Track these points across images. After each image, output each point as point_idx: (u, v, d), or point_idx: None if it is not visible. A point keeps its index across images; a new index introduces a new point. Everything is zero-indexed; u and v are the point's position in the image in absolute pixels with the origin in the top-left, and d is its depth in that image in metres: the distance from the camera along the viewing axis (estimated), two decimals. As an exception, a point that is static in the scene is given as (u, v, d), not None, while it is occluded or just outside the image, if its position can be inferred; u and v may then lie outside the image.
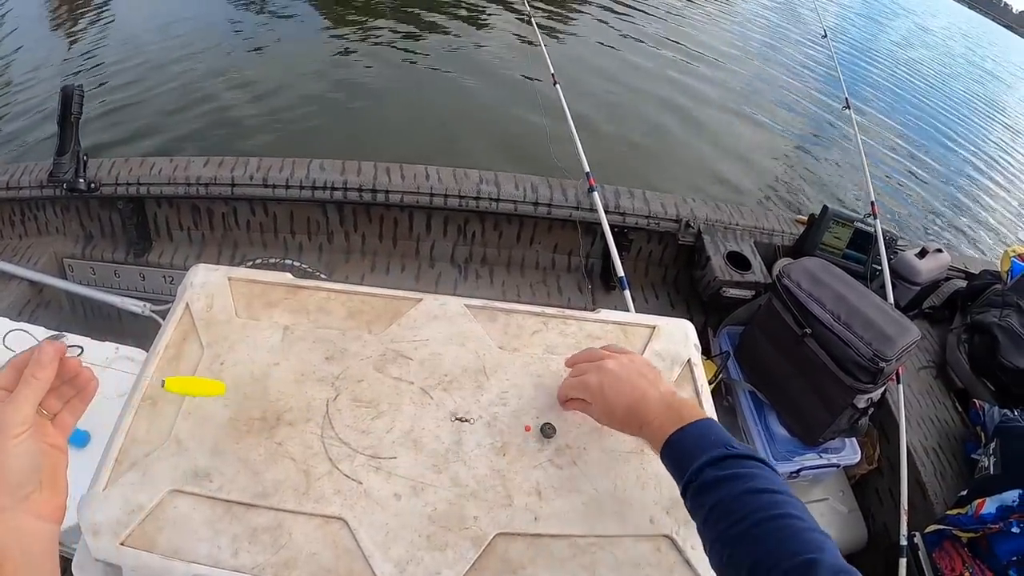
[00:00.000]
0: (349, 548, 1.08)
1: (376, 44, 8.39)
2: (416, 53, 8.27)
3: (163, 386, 1.12)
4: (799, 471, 2.55)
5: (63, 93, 2.79)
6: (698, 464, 0.97)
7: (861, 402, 2.39)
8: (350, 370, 1.31)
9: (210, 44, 7.91)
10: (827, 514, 2.71)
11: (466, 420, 1.24)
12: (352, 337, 1.37)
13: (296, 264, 1.94)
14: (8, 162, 3.44)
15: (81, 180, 2.91)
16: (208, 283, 1.47)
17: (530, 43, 7.49)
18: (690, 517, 1.01)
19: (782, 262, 3.05)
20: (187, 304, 1.43)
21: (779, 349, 2.52)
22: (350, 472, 1.15)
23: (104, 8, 8.51)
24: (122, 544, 1.07)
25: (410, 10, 9.52)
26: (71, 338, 2.00)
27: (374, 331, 1.39)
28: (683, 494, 1.01)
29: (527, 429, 1.23)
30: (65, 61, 7.42)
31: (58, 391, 0.88)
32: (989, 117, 14.62)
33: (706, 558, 1.08)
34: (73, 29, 8.07)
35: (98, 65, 7.28)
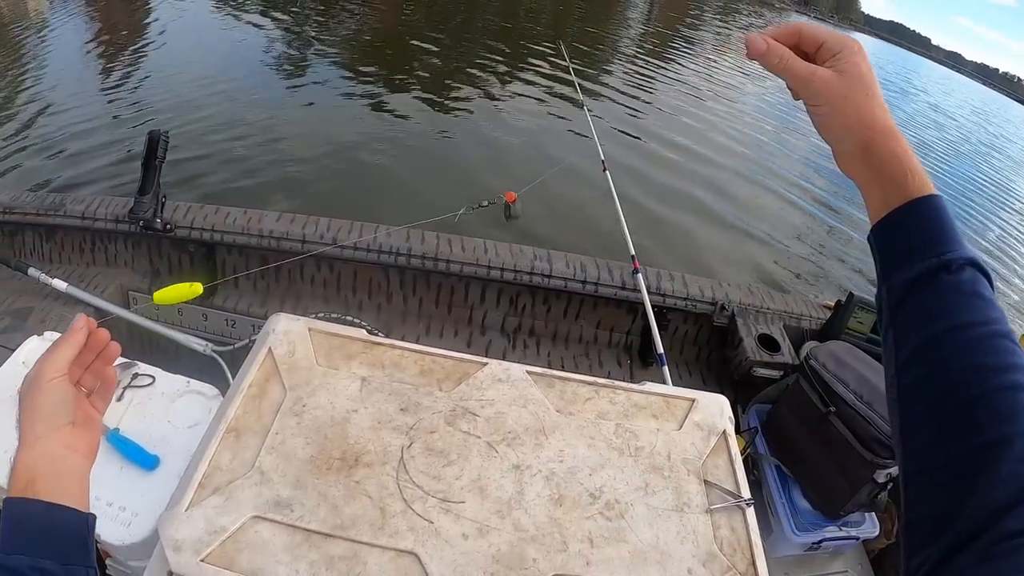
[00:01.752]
0: None
1: (428, 120, 8.61)
2: (462, 127, 8.46)
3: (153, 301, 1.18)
4: (820, 542, 2.60)
5: (150, 137, 2.93)
6: (961, 255, 0.69)
7: (881, 477, 2.46)
8: (423, 422, 1.43)
9: (254, 108, 8.18)
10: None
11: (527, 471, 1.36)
12: (424, 392, 1.50)
13: (356, 321, 2.05)
14: (82, 193, 3.57)
15: (158, 220, 3.05)
16: (290, 331, 1.60)
17: (582, 134, 7.63)
18: (893, 310, 0.73)
19: (809, 345, 3.13)
20: (270, 348, 1.55)
21: (804, 426, 2.60)
22: (422, 512, 1.26)
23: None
24: (202, 560, 1.16)
25: (466, 93, 9.73)
26: (142, 367, 2.10)
27: (444, 388, 1.52)
28: (916, 279, 0.70)
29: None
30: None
31: (91, 369, 1.03)
32: (1021, 199, 14.59)
33: None
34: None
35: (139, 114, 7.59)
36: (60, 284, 2.91)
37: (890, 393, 0.71)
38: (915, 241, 0.71)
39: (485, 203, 3.24)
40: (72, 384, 0.96)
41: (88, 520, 0.87)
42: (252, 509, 1.24)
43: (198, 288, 1.21)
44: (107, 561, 1.82)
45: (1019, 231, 12.05)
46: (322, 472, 1.31)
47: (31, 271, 2.95)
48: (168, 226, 3.06)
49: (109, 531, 1.68)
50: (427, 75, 10.01)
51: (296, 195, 6.27)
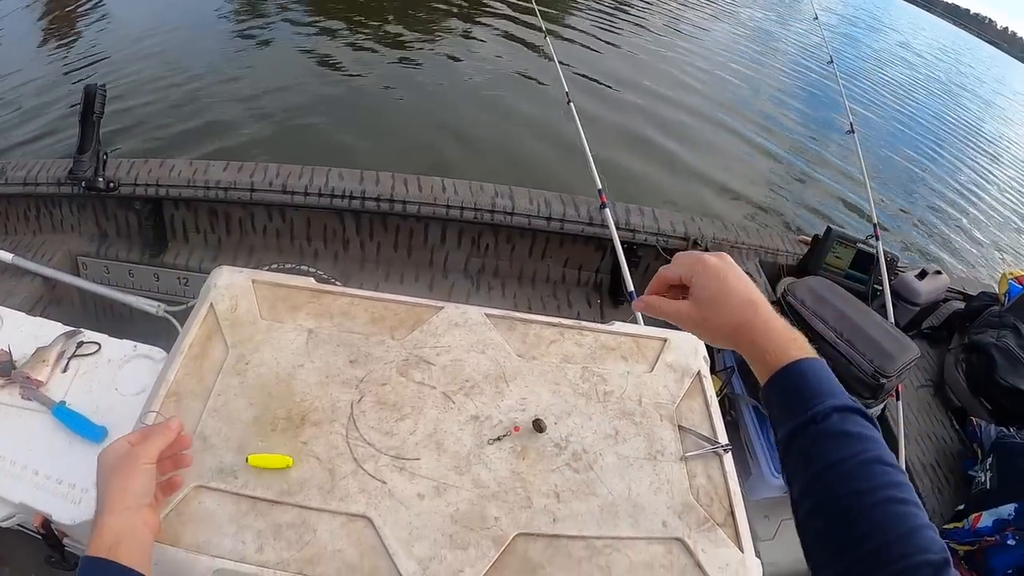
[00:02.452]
0: (373, 546, 1.10)
1: (385, 53, 8.42)
2: (425, 65, 8.30)
3: (247, 461, 1.19)
4: (798, 485, 2.57)
5: (86, 92, 2.80)
6: (824, 407, 0.85)
7: (863, 420, 2.43)
8: (374, 374, 1.34)
9: (210, 46, 8.03)
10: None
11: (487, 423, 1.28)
12: (375, 342, 1.40)
13: (312, 271, 1.97)
14: (24, 158, 3.44)
15: (100, 179, 2.92)
16: (232, 285, 1.50)
17: (547, 58, 7.57)
18: (782, 460, 0.90)
19: (786, 281, 3.08)
20: (211, 304, 1.46)
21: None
22: (374, 472, 1.18)
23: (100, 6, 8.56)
24: None
25: (424, 23, 9.55)
26: (87, 335, 2.01)
27: (397, 337, 1.43)
28: (793, 432, 0.87)
29: (516, 430, 1.27)
30: (64, 63, 7.51)
31: (168, 459, 1.14)
32: (992, 141, 14.66)
33: (714, 561, 1.13)
34: (68, 31, 8.13)
35: (93, 65, 7.38)
36: (6, 256, 2.82)
37: (795, 522, 0.85)
38: (786, 404, 0.90)
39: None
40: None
41: None
42: (195, 478, 1.17)
43: (289, 461, 1.16)
44: (64, 541, 1.75)
45: (988, 171, 12.10)
46: (267, 434, 1.23)
47: None
48: (111, 184, 2.93)
49: (60, 510, 1.60)
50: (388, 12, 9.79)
51: (242, 146, 6.12)
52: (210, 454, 1.20)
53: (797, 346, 0.92)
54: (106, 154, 2.94)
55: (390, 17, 9.53)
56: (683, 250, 3.04)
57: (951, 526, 2.44)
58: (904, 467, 2.52)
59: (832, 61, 4.77)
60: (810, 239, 3.33)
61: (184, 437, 1.16)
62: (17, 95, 6.81)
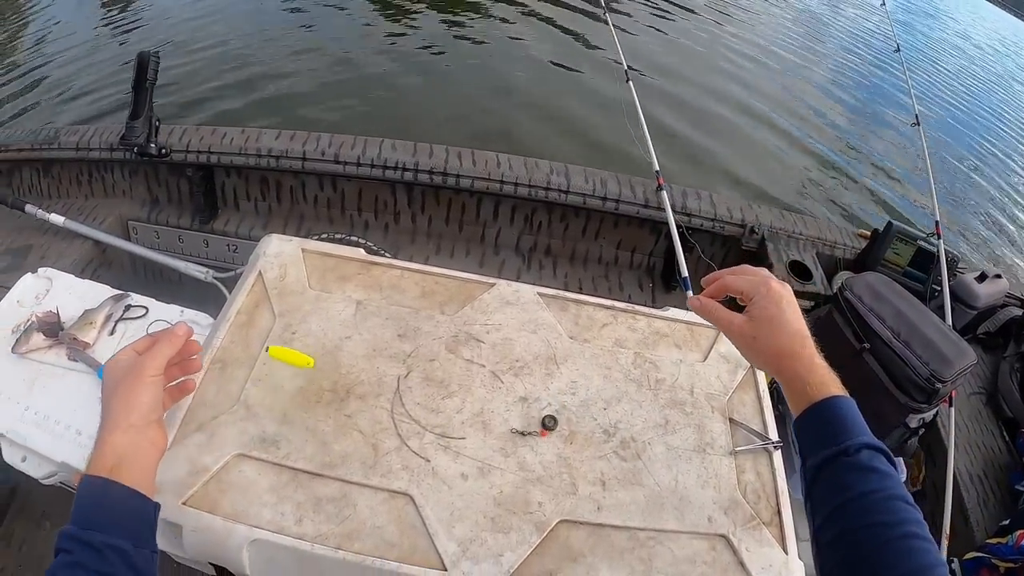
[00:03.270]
0: (414, 524, 1.09)
1: (442, 29, 8.38)
2: (483, 41, 8.24)
3: (267, 351, 1.19)
4: (844, 485, 2.52)
5: (139, 59, 2.81)
6: (856, 442, 0.90)
7: (913, 421, 2.36)
8: (422, 349, 1.32)
9: (263, 17, 8.14)
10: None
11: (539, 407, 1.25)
12: (425, 316, 1.38)
13: (362, 242, 1.96)
14: (76, 124, 3.49)
15: (152, 145, 2.92)
16: (282, 253, 1.49)
17: (605, 36, 7.49)
18: (808, 487, 0.94)
19: (843, 275, 3.01)
20: (260, 272, 1.45)
21: (835, 361, 2.47)
22: (418, 449, 1.16)
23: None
24: (184, 504, 1.09)
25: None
26: (135, 298, 2.02)
27: (447, 312, 1.40)
28: (825, 460, 0.91)
29: (543, 434, 1.23)
30: (116, 29, 7.73)
31: (177, 366, 1.11)
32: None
33: (758, 560, 1.10)
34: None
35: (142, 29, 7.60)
36: (57, 219, 2.87)
37: (812, 549, 0.91)
38: (820, 434, 0.94)
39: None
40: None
41: (156, 509, 0.93)
42: (236, 447, 1.16)
43: (311, 363, 1.15)
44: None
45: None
46: (311, 406, 1.22)
47: (28, 208, 2.93)
48: (163, 150, 2.94)
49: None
50: None
51: (295, 115, 6.14)
52: (252, 423, 1.19)
53: (836, 384, 0.99)
54: (159, 121, 2.96)
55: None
56: (739, 237, 3.02)
57: (995, 541, 2.37)
58: (951, 476, 2.46)
59: (899, 50, 4.63)
60: (869, 233, 3.25)
61: (192, 343, 1.11)
62: (70, 62, 7.02)
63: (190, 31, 7.62)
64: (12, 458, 1.79)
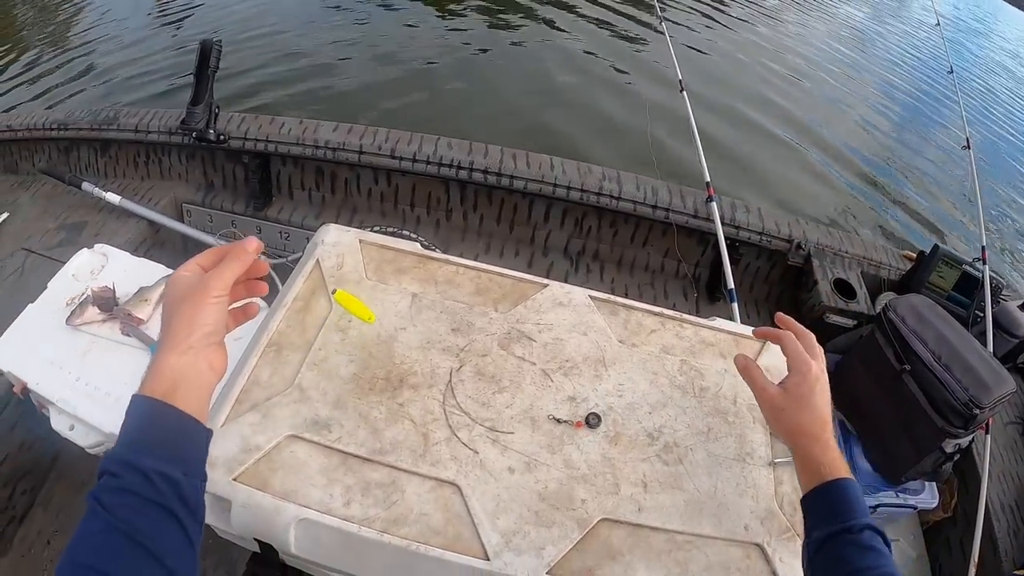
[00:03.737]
0: (459, 513, 1.11)
1: (494, 30, 8.41)
2: (534, 43, 8.25)
3: (333, 294, 1.20)
4: (876, 507, 2.50)
5: (202, 47, 2.89)
6: (860, 522, 0.98)
7: (949, 446, 2.35)
8: (475, 344, 1.35)
9: (316, 11, 8.24)
10: (895, 556, 2.65)
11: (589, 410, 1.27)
12: (479, 313, 1.41)
13: (413, 236, 1.99)
14: (136, 106, 3.56)
15: (211, 131, 3.01)
16: (340, 243, 1.52)
17: (660, 44, 7.45)
18: (811, 556, 1.01)
19: (887, 295, 2.99)
20: (318, 260, 1.48)
21: (875, 381, 2.48)
22: (468, 441, 1.19)
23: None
24: (235, 480, 1.12)
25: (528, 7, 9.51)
26: None
27: (500, 309, 1.43)
28: (830, 535, 0.99)
29: (579, 425, 1.25)
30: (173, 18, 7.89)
31: (243, 284, 1.04)
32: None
33: (791, 572, 1.11)
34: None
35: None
36: (113, 197, 2.94)
37: None
38: (828, 511, 1.01)
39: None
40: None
41: (209, 436, 0.90)
42: (289, 428, 1.19)
43: (372, 318, 1.18)
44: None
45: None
46: (364, 392, 1.25)
47: (85, 185, 3.01)
48: (222, 137, 3.01)
49: (147, 442, 1.65)
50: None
51: (352, 109, 6.21)
52: (306, 405, 1.22)
53: (845, 468, 1.06)
54: (218, 107, 3.03)
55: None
56: (786, 252, 3.01)
57: (1022, 572, 2.36)
58: (983, 504, 2.44)
59: (952, 71, 4.58)
60: (915, 255, 3.23)
61: (260, 263, 1.05)
62: (121, 48, 7.26)
63: (241, 20, 7.79)
64: (60, 426, 1.84)
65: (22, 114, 3.64)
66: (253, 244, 1.00)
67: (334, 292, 1.19)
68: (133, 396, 0.84)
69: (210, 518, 1.13)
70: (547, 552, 1.08)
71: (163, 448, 0.81)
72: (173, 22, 7.85)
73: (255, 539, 1.18)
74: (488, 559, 1.06)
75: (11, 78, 6.85)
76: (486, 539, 1.08)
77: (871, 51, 12.51)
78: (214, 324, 0.92)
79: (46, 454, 2.49)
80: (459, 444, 1.18)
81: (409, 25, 8.22)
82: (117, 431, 1.66)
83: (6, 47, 7.43)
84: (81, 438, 1.83)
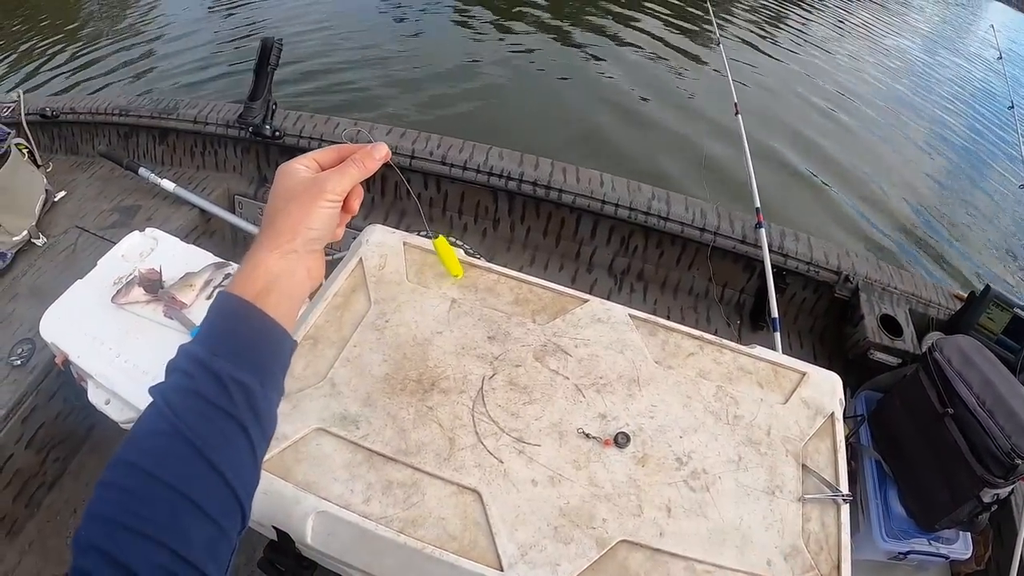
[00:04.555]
0: (478, 521, 1.11)
1: (548, 44, 8.43)
2: (586, 60, 8.25)
3: (433, 238, 1.15)
4: (907, 553, 2.44)
5: (263, 44, 2.94)
6: None
7: (987, 496, 2.29)
8: (510, 353, 1.35)
9: (373, 18, 8.39)
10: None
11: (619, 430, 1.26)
12: (516, 323, 1.41)
13: (458, 243, 1.98)
14: (196, 98, 3.63)
15: (267, 127, 3.06)
16: (384, 244, 1.54)
17: (716, 69, 7.40)
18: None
19: (933, 335, 2.93)
20: (361, 259, 1.50)
21: (915, 423, 2.43)
22: (493, 449, 1.19)
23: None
24: None
25: (592, 19, 9.51)
26: (235, 268, 2.09)
27: (538, 321, 1.43)
28: None
29: (607, 443, 1.24)
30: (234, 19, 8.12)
31: (352, 191, 0.92)
32: None
33: None
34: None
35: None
36: (168, 184, 3.01)
37: None
38: None
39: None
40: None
41: (294, 348, 0.84)
42: (317, 421, 1.21)
43: (459, 273, 1.17)
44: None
45: None
46: (395, 392, 1.26)
47: (141, 171, 3.08)
48: (277, 133, 3.05)
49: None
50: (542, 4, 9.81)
51: (402, 115, 6.29)
52: (336, 400, 1.23)
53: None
54: (275, 104, 3.08)
55: (548, 12, 9.54)
56: (833, 284, 2.96)
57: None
58: (1017, 558, 2.38)
59: (1012, 106, 4.49)
60: (965, 296, 3.16)
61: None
62: (191, 41, 7.51)
63: (294, 17, 8.02)
64: (96, 399, 1.88)
65: (85, 98, 3.72)
66: (382, 151, 0.92)
67: (436, 236, 1.15)
68: (220, 292, 0.79)
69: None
70: (562, 569, 1.07)
71: (244, 354, 0.75)
72: (231, 17, 8.11)
73: (273, 527, 1.19)
74: (502, 569, 1.06)
75: (67, 63, 7.19)
76: (502, 549, 1.08)
77: (925, 83, 12.33)
78: (322, 230, 0.84)
79: (81, 425, 2.55)
80: (484, 452, 1.18)
81: (463, 25, 8.36)
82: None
83: (67, 36, 7.81)
84: (116, 413, 1.86)
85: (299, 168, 0.85)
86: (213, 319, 0.76)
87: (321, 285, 2.56)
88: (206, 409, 0.70)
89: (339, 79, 6.84)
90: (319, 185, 0.83)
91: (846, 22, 13.31)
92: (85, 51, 7.48)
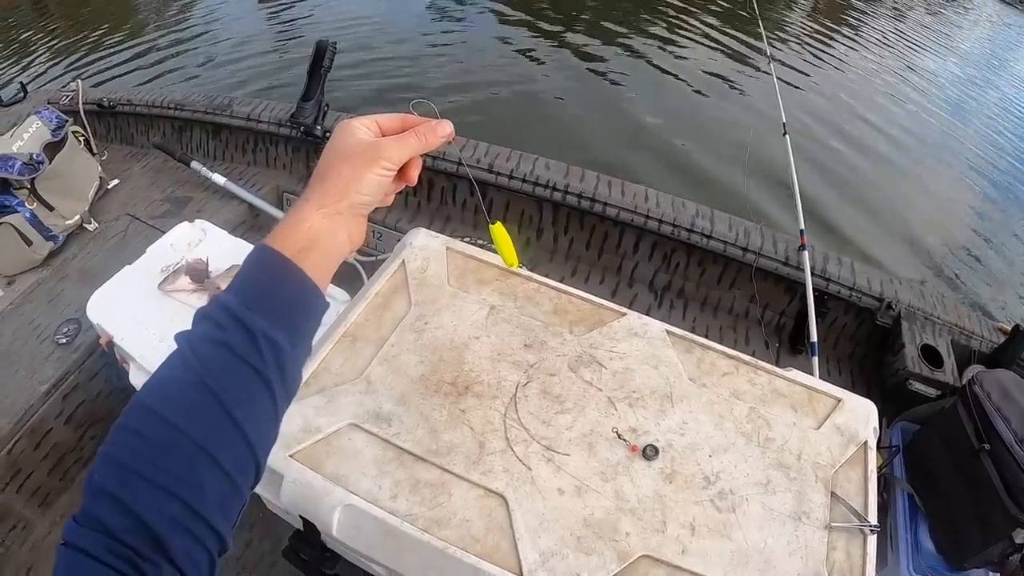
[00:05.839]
0: (502, 525, 1.12)
1: (597, 55, 8.43)
2: (626, 67, 8.22)
3: (491, 224, 1.14)
4: (934, 590, 2.42)
5: (317, 47, 3.00)
6: None
7: (1019, 537, 2.25)
8: (545, 362, 1.36)
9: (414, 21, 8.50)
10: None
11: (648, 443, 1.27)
12: (553, 332, 1.42)
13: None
14: (249, 96, 3.70)
15: (319, 127, 3.11)
16: (427, 247, 1.56)
17: (764, 82, 7.33)
18: None
19: (974, 368, 2.87)
20: (403, 261, 1.52)
21: (951, 457, 2.39)
22: (523, 456, 1.20)
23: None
24: (290, 456, 1.17)
25: (648, 27, 9.50)
26: None
27: (575, 332, 1.44)
28: None
29: (633, 450, 1.24)
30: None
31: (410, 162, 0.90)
32: None
33: None
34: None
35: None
36: (219, 178, 3.08)
37: None
38: None
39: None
40: None
41: (325, 310, 0.81)
42: (351, 416, 1.23)
43: (514, 262, 1.19)
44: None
45: None
46: (429, 393, 1.28)
47: (194, 164, 3.17)
48: (328, 134, 3.08)
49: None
50: (589, 15, 9.79)
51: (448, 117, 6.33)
52: (370, 397, 1.26)
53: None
54: (327, 106, 3.13)
55: (593, 18, 9.54)
56: (875, 311, 2.93)
57: None
58: None
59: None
60: (1009, 329, 3.12)
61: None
62: (242, 44, 7.70)
63: (340, 23, 8.12)
64: (137, 382, 1.93)
65: (142, 91, 3.82)
66: (447, 129, 0.88)
67: (494, 223, 1.16)
68: (259, 244, 0.77)
69: (262, 490, 1.17)
70: (582, 579, 1.07)
71: (278, 311, 0.73)
72: (282, 18, 8.29)
73: (300, 516, 1.22)
74: (522, 575, 1.07)
75: (118, 52, 7.50)
76: (524, 555, 1.09)
77: (974, 112, 12.13)
78: (372, 195, 0.83)
79: (120, 406, 2.58)
80: (513, 458, 1.19)
81: (507, 41, 8.37)
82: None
83: (122, 32, 8.13)
84: (156, 396, 1.89)
85: (359, 128, 0.83)
86: (249, 271, 0.75)
87: (359, 249, 2.61)
88: (233, 362, 0.69)
89: (382, 73, 7.00)
90: (377, 149, 0.81)
91: (897, 43, 13.13)
92: (137, 45, 7.78)
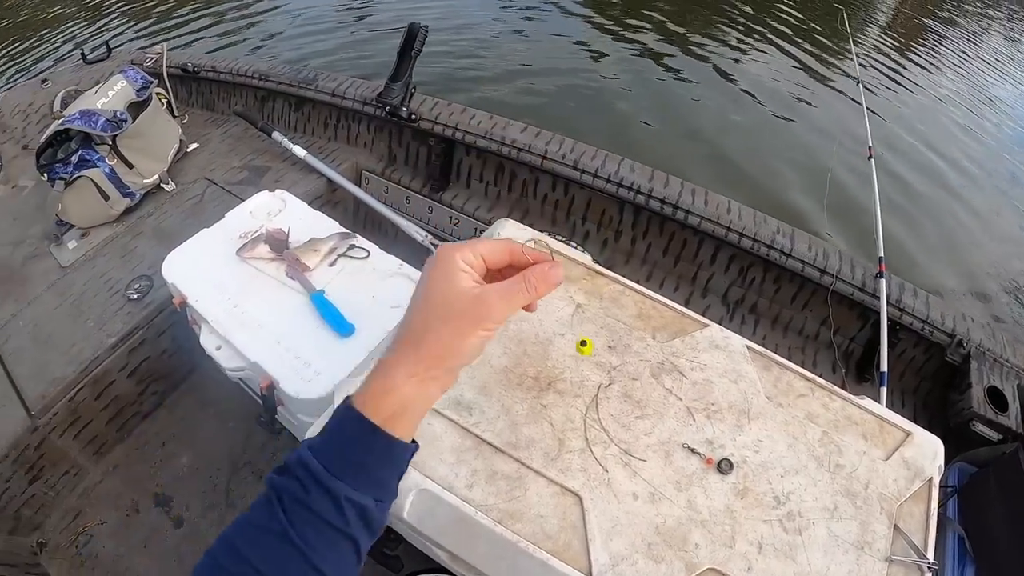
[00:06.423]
0: (575, 524, 1.14)
1: (684, 60, 8.38)
2: (711, 77, 8.13)
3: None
4: (972, 641, 2.40)
5: (409, 29, 3.02)
6: None
7: (1067, 592, 2.24)
8: (628, 366, 1.37)
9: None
10: None
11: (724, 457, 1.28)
12: (637, 336, 1.44)
13: (583, 249, 2.00)
14: (335, 72, 3.73)
15: (404, 108, 3.12)
16: (516, 238, 1.57)
17: (850, 100, 7.23)
18: None
19: (1040, 416, 2.85)
20: None
21: (1006, 506, 2.37)
22: (600, 457, 1.21)
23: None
24: None
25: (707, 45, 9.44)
26: (360, 240, 2.15)
27: (658, 338, 1.45)
28: None
29: (708, 462, 1.25)
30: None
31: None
32: None
33: None
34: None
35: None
36: (299, 151, 3.13)
37: None
38: None
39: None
40: None
41: (415, 451, 0.78)
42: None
43: (589, 351, 1.20)
44: (279, 408, 1.89)
45: None
46: (512, 386, 1.29)
47: (275, 134, 3.21)
48: (412, 116, 3.11)
49: (289, 383, 1.76)
50: (664, 19, 9.72)
51: (521, 109, 6.36)
52: (453, 385, 1.26)
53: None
54: (414, 88, 3.15)
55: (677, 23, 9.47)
56: (945, 347, 2.89)
57: None
58: None
59: None
60: (1082, 380, 3.06)
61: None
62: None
63: (410, 5, 8.24)
64: (207, 344, 1.95)
65: (226, 59, 3.88)
66: (559, 277, 0.80)
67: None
68: (348, 405, 0.74)
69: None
70: (650, 586, 1.09)
71: (363, 474, 0.72)
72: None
73: None
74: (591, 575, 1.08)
75: (187, 21, 7.74)
76: (595, 556, 1.10)
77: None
78: (471, 357, 0.77)
79: (184, 366, 2.67)
80: (591, 458, 1.21)
81: (574, 36, 8.39)
82: (262, 362, 1.75)
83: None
84: (226, 360, 1.91)
85: (461, 274, 0.76)
86: (335, 433, 0.74)
87: (434, 233, 2.60)
88: (318, 523, 0.70)
89: (451, 54, 7.10)
90: (483, 309, 0.75)
91: (1000, 63, 12.85)
92: (203, 16, 8.05)
